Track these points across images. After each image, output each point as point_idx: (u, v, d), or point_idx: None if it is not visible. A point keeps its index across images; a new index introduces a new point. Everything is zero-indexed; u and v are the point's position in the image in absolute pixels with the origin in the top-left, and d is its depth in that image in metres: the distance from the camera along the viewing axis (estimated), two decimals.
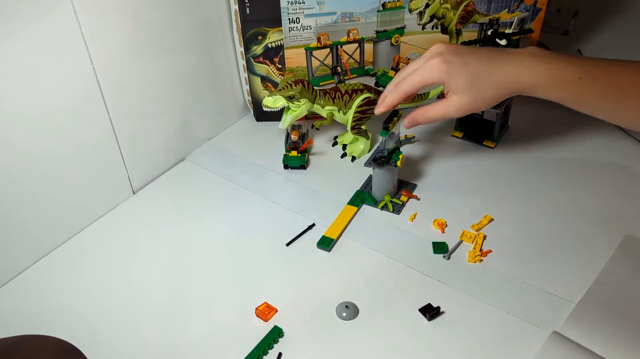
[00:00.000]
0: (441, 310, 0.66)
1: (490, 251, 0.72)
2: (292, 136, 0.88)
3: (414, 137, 0.93)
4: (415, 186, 0.84)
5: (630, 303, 0.66)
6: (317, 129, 0.94)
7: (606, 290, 0.67)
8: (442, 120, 0.74)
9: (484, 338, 0.63)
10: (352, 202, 0.82)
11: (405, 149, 0.80)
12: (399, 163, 0.78)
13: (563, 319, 0.64)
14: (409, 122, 0.75)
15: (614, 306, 0.65)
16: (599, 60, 0.71)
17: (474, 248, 0.73)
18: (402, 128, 0.80)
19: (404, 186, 0.84)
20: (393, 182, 0.81)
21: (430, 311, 0.65)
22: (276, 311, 0.67)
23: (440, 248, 0.74)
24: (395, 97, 0.73)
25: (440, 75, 0.69)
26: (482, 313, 0.66)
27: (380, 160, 0.77)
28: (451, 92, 0.71)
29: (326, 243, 0.75)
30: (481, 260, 0.71)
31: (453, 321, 0.65)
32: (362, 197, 0.83)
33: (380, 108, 0.76)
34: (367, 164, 0.79)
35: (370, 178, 0.84)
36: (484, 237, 0.75)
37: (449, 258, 0.73)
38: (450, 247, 0.74)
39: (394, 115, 0.77)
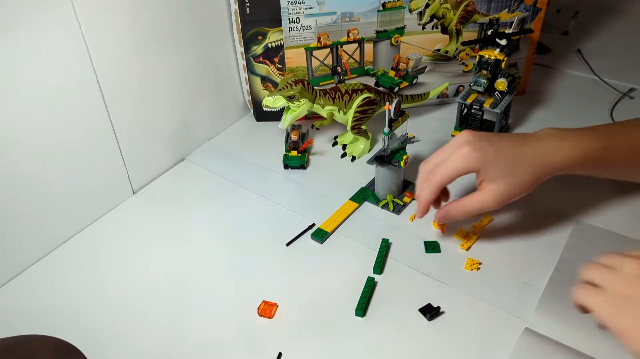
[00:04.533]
0: (441, 310, 0.66)
1: (479, 262, 0.72)
2: (292, 136, 0.88)
3: (414, 137, 0.93)
4: None
5: None
6: (317, 129, 0.94)
7: (566, 277, 0.67)
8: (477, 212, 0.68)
9: (484, 338, 0.63)
10: (354, 198, 0.82)
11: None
12: (402, 163, 0.78)
13: None
14: (442, 216, 0.70)
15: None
16: (614, 124, 0.72)
17: (465, 244, 0.74)
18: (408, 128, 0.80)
19: (410, 188, 0.84)
20: (397, 182, 0.81)
21: (430, 311, 0.65)
22: (277, 306, 0.67)
23: (432, 247, 0.74)
24: (430, 193, 0.68)
25: (474, 163, 0.65)
26: (482, 313, 0.66)
27: (381, 158, 0.77)
28: (486, 181, 0.66)
29: (320, 235, 0.76)
30: (478, 268, 0.71)
31: (453, 321, 0.65)
32: (364, 194, 0.83)
33: (419, 213, 0.71)
34: (370, 161, 0.79)
35: None
36: (478, 236, 0.75)
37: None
38: (446, 246, 0.74)
39: (399, 115, 0.77)
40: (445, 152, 0.68)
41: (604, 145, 0.68)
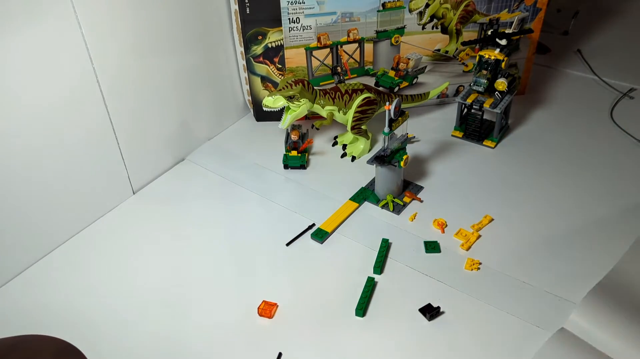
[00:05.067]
0: (441, 310, 0.66)
1: (479, 262, 0.72)
2: (292, 136, 0.88)
3: (414, 137, 0.93)
4: (421, 188, 0.84)
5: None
6: (317, 129, 0.94)
7: (615, 288, 0.66)
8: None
9: (484, 338, 0.63)
10: (354, 198, 0.82)
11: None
12: (402, 163, 0.78)
13: (563, 319, 0.64)
14: None
15: (623, 304, 0.65)
16: None
17: (465, 244, 0.74)
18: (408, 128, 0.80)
19: (409, 188, 0.84)
20: (397, 182, 0.81)
21: (430, 311, 0.65)
22: (277, 306, 0.67)
23: (432, 247, 0.74)
24: None
25: None
26: (482, 313, 0.66)
27: (381, 158, 0.77)
28: None
29: (320, 235, 0.76)
30: (478, 268, 0.71)
31: (453, 321, 0.65)
32: (364, 194, 0.83)
33: None
34: (370, 161, 0.79)
35: None
36: (478, 236, 0.75)
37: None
38: (446, 246, 0.74)
39: (399, 115, 0.77)
40: None
41: None
